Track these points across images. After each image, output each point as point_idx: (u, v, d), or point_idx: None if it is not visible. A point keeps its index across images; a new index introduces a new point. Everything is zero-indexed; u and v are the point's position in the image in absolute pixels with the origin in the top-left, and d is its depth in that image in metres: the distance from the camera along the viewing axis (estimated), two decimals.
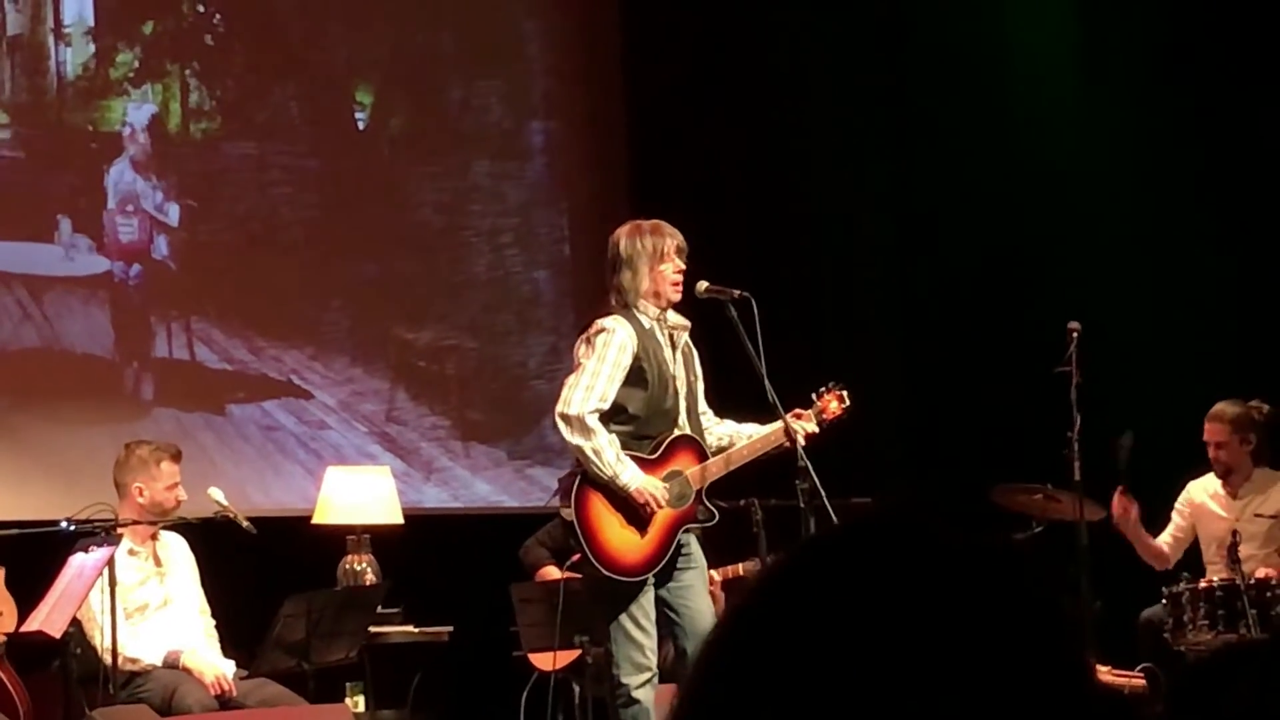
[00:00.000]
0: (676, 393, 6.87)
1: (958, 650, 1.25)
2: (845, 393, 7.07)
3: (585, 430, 6.74)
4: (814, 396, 7.02)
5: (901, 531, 1.32)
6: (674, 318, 6.90)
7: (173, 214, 9.84)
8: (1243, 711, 1.67)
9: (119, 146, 9.77)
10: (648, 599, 6.78)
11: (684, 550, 6.90)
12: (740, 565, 8.23)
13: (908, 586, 1.28)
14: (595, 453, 6.73)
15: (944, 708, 1.24)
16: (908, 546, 1.31)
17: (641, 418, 6.83)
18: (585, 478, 6.84)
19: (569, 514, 6.83)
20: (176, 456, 7.73)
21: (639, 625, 6.75)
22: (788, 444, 6.83)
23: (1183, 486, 9.00)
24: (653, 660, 6.76)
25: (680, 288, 6.81)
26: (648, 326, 6.83)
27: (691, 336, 6.97)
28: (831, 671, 1.25)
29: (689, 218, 6.99)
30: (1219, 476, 8.84)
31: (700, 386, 7.03)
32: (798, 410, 6.95)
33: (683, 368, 6.91)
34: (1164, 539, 8.95)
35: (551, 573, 8.83)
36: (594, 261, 10.58)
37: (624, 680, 6.73)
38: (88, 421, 9.31)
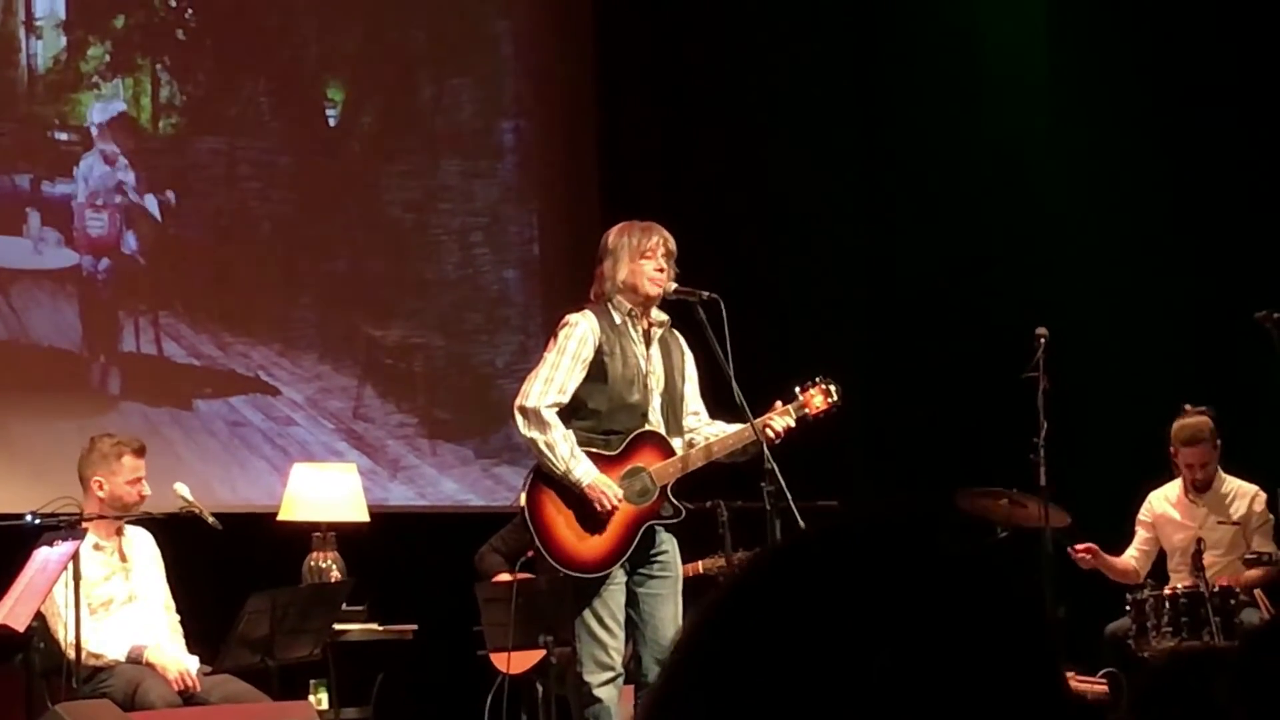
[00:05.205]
0: (647, 388, 6.83)
1: (929, 658, 1.24)
2: (833, 387, 6.99)
3: (541, 424, 6.74)
4: (797, 390, 6.96)
5: (873, 538, 1.31)
6: (655, 314, 6.89)
7: (151, 207, 9.82)
8: (1212, 715, 1.68)
9: (89, 140, 9.74)
10: (615, 599, 6.75)
11: (658, 555, 6.85)
12: (699, 563, 8.21)
13: (879, 593, 1.26)
14: (548, 446, 6.72)
15: (916, 714, 1.24)
16: (879, 553, 1.29)
17: (603, 413, 6.81)
18: (539, 473, 6.83)
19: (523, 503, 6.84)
20: (140, 451, 7.67)
21: (603, 624, 6.72)
22: (765, 440, 6.76)
23: (1143, 497, 9.02)
24: (617, 660, 6.72)
25: (658, 285, 6.79)
26: (618, 321, 6.82)
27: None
28: (802, 681, 1.24)
29: (658, 219, 6.98)
30: (1199, 491, 8.83)
31: (690, 385, 6.97)
32: (777, 404, 6.89)
33: (660, 363, 6.88)
34: (1130, 554, 8.96)
35: (505, 580, 8.82)
36: (563, 261, 10.64)
37: (586, 678, 6.72)
38: (54, 415, 9.28)
